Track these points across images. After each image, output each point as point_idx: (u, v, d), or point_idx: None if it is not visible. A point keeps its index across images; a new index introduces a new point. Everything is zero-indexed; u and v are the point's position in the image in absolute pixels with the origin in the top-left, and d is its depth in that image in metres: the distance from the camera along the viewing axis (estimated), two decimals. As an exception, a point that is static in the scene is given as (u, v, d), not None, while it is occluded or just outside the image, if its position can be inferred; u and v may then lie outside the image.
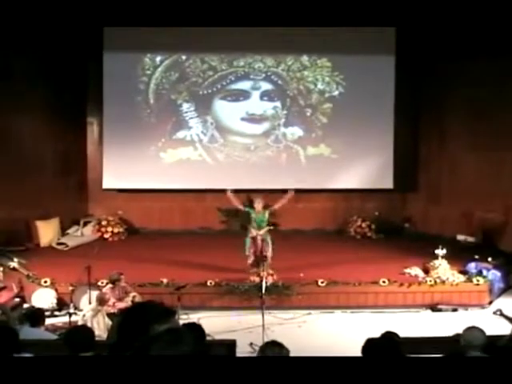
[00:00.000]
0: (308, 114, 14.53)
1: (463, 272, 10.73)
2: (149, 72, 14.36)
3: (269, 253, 10.44)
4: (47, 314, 8.76)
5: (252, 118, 14.51)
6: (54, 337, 7.02)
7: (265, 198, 10.97)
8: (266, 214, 10.63)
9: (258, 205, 10.56)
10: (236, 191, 13.86)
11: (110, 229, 13.90)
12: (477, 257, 11.11)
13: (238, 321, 9.35)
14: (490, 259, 11.06)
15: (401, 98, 14.35)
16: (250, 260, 10.52)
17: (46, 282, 10.07)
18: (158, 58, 14.38)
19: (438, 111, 14.13)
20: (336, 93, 14.50)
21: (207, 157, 14.51)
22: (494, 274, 10.69)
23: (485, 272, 10.65)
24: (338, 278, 10.41)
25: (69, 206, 14.11)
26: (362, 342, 4.52)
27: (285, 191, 13.74)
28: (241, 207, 10.81)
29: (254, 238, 10.53)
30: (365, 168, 14.48)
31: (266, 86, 14.49)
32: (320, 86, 14.49)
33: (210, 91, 14.42)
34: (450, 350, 5.05)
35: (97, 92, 14.20)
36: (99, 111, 14.36)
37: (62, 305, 9.77)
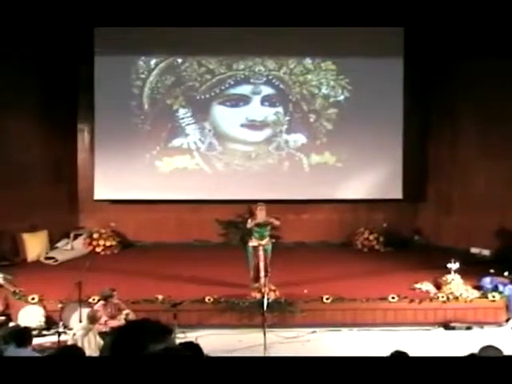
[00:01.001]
0: (312, 120, 14.53)
1: (478, 287, 10.69)
2: (143, 76, 14.38)
3: (267, 261, 10.45)
4: (35, 333, 8.70)
5: (252, 125, 14.51)
6: (41, 357, 6.98)
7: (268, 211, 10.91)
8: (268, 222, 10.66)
9: (261, 211, 10.57)
10: (235, 202, 13.95)
11: (101, 242, 13.87)
12: (492, 271, 11.08)
13: (239, 339, 9.31)
14: (506, 273, 11.00)
15: (410, 103, 14.37)
16: (252, 274, 10.51)
17: (33, 298, 10.02)
18: (153, 61, 14.40)
19: (448, 117, 14.13)
20: (341, 97, 14.51)
21: (205, 166, 14.50)
22: (511, 290, 10.63)
23: (501, 287, 10.59)
24: (344, 293, 10.37)
25: (58, 217, 14.06)
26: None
27: (287, 202, 13.86)
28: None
29: (255, 249, 10.52)
30: (372, 177, 14.47)
31: (267, 90, 14.50)
32: (324, 90, 14.50)
33: (207, 96, 14.43)
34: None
35: (88, 97, 14.20)
36: (90, 117, 14.37)
37: (50, 323, 9.71)
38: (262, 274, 10.31)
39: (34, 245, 13.18)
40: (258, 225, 10.58)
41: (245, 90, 14.51)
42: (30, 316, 9.73)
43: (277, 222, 10.85)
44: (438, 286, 10.73)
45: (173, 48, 14.21)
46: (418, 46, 14.06)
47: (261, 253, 10.46)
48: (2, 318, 9.77)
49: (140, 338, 2.62)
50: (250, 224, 10.71)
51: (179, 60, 14.41)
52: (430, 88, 14.45)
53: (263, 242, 10.55)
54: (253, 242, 10.58)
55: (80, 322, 8.93)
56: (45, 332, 9.54)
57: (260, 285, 10.09)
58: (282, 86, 14.49)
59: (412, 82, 14.34)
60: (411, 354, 5.54)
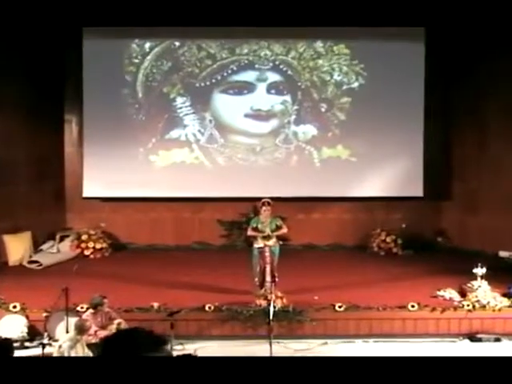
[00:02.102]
0: (323, 109, 14.49)
1: (507, 295, 10.64)
2: (136, 61, 14.36)
3: (274, 264, 10.43)
4: (16, 345, 8.70)
5: (257, 115, 14.49)
6: (24, 371, 6.95)
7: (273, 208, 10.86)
8: (274, 223, 10.59)
9: (265, 212, 10.53)
10: (238, 200, 13.92)
11: (91, 244, 13.86)
12: (523, 277, 11.05)
13: (242, 352, 9.28)
14: (538, 280, 10.99)
15: (432, 92, 14.30)
16: (257, 279, 10.47)
17: (15, 307, 10.01)
18: (148, 45, 14.37)
19: (476, 107, 14.07)
20: (355, 85, 14.46)
21: (205, 160, 14.49)
22: (544, 298, 10.60)
23: (533, 295, 10.58)
24: (358, 301, 10.35)
25: (43, 217, 14.07)
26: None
27: (296, 200, 13.82)
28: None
29: (261, 250, 10.47)
30: (389, 172, 14.43)
31: (273, 76, 14.46)
32: (337, 76, 14.46)
33: (208, 83, 14.40)
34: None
35: (75, 85, 14.19)
36: (78, 107, 14.36)
37: (34, 334, 9.69)
38: (268, 278, 10.26)
39: (17, 247, 13.19)
40: (266, 237, 10.52)
41: (249, 76, 14.47)
42: (11, 326, 9.70)
43: (283, 231, 10.80)
44: (463, 294, 10.70)
45: (170, 30, 14.16)
46: (442, 33, 13.99)
47: (267, 254, 10.39)
48: (-19, 328, 9.76)
49: (131, 348, 2.59)
50: (250, 232, 10.70)
51: (177, 43, 14.38)
52: (455, 76, 14.35)
53: (270, 243, 10.48)
54: (258, 243, 10.53)
55: (67, 332, 8.93)
56: (27, 344, 9.50)
57: (266, 291, 10.06)
58: (290, 72, 14.44)
59: (435, 69, 14.25)
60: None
